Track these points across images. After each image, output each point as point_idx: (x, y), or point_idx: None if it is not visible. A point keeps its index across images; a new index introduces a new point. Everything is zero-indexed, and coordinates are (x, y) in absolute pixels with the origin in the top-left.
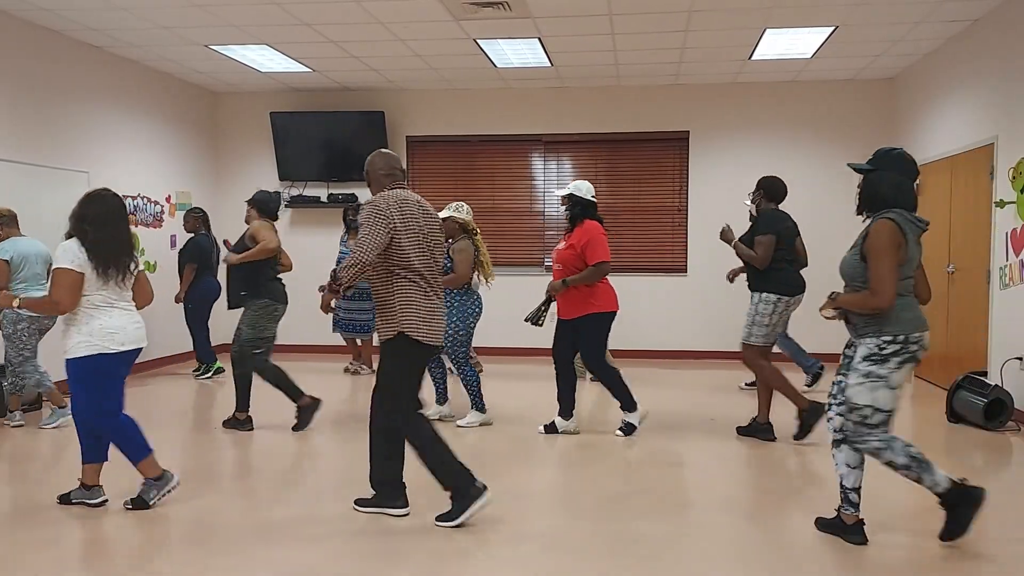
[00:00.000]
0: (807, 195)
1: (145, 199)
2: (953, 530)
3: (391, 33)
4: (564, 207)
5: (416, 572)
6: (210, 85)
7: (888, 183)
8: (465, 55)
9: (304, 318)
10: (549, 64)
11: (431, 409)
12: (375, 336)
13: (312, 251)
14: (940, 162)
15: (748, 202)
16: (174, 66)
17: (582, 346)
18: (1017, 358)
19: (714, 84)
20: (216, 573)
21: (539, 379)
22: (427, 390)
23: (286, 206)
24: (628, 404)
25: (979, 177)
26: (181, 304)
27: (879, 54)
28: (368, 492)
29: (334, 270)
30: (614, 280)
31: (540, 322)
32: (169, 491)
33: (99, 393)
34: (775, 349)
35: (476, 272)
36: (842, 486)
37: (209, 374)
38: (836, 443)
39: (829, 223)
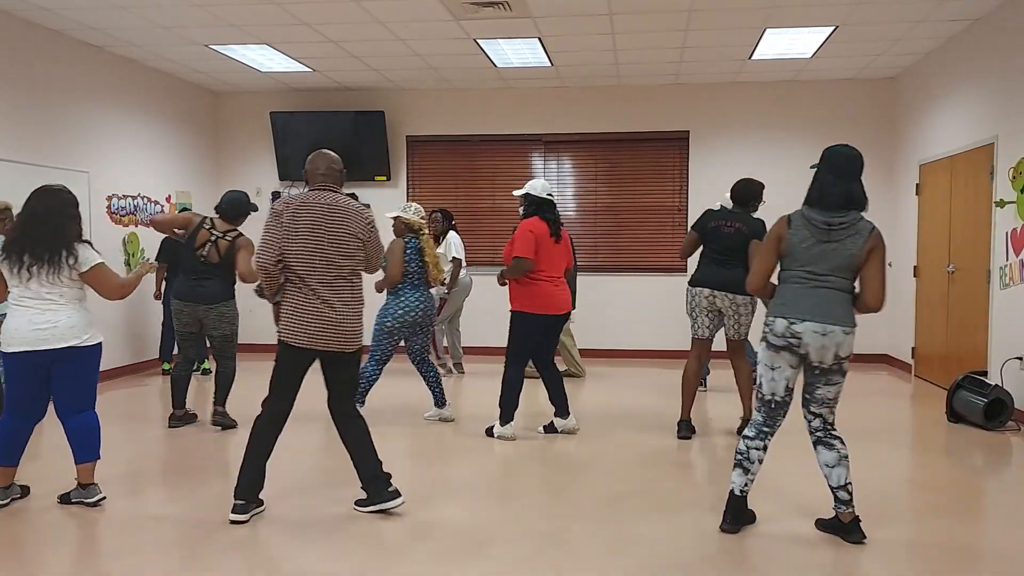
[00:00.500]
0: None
1: (145, 199)
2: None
3: (391, 33)
4: (520, 206)
5: (416, 572)
6: (210, 85)
7: (813, 181)
8: (465, 55)
9: None
10: (549, 64)
11: (430, 411)
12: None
13: None
14: (940, 162)
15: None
16: (174, 66)
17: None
18: (1017, 358)
19: (714, 84)
20: (216, 573)
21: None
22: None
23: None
24: (507, 416)
25: (979, 177)
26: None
27: (879, 53)
28: (359, 494)
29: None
30: (612, 279)
31: None
32: (5, 504)
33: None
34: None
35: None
36: (829, 486)
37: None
38: (813, 444)
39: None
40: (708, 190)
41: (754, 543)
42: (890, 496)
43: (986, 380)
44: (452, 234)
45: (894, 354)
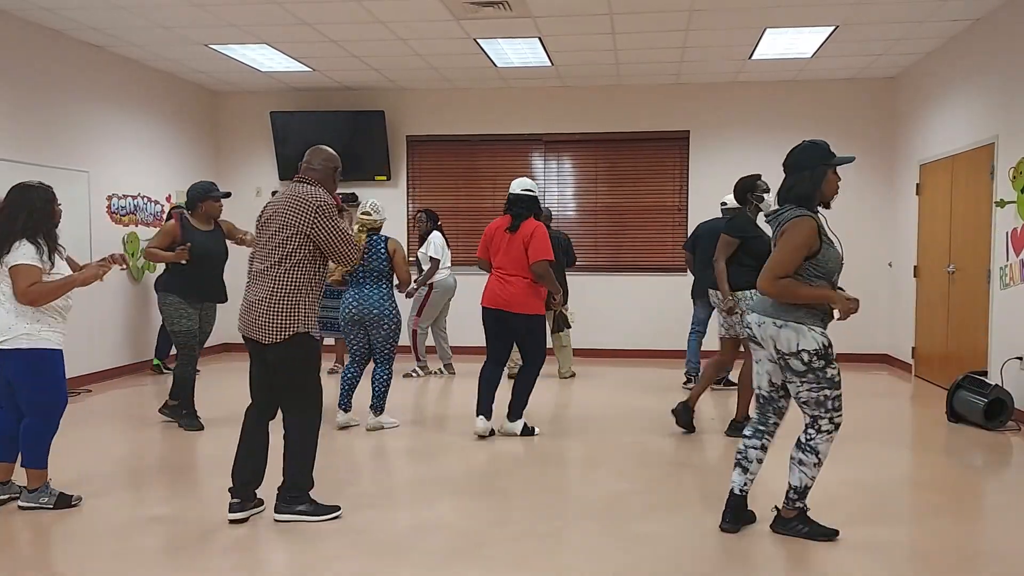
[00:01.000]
0: None
1: (145, 199)
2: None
3: (391, 32)
4: None
5: (416, 572)
6: (210, 85)
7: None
8: (465, 55)
9: None
10: (549, 64)
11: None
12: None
13: None
14: (941, 161)
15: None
16: (174, 65)
17: None
18: (1017, 358)
19: (714, 83)
20: (216, 573)
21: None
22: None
23: None
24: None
25: (979, 176)
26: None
27: (880, 53)
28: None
29: None
30: (612, 279)
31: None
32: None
33: None
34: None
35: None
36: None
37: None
38: None
39: (830, 221)
40: (708, 190)
41: (754, 543)
42: (890, 496)
43: (986, 380)
44: (435, 234)
45: (894, 354)
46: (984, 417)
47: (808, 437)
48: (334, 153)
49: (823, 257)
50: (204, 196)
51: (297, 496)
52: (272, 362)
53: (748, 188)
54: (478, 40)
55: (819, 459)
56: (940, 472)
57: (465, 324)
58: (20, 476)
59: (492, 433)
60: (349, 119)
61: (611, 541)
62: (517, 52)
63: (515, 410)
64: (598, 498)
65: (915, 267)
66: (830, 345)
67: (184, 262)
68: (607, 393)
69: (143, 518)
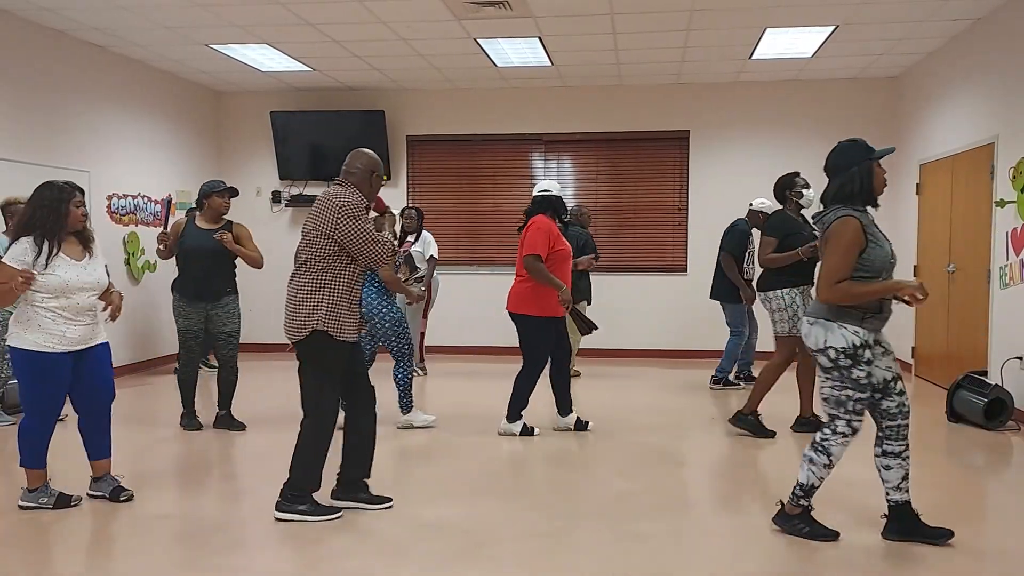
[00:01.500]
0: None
1: (146, 198)
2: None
3: (392, 32)
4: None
5: (416, 572)
6: (212, 84)
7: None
8: (466, 54)
9: None
10: (550, 63)
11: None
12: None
13: None
14: (941, 161)
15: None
16: (176, 65)
17: None
18: (1017, 358)
19: (715, 83)
20: (216, 573)
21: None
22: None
23: (286, 205)
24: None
25: (980, 176)
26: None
27: (881, 53)
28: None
29: None
30: (612, 279)
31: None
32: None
33: None
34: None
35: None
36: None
37: None
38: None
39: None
40: (708, 190)
41: (756, 541)
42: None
43: (986, 380)
44: (427, 233)
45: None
46: (984, 417)
47: (823, 437)
48: (375, 157)
49: (868, 256)
50: (209, 192)
51: (299, 496)
52: (298, 359)
53: (787, 186)
54: (478, 40)
55: (830, 461)
56: (940, 472)
57: (464, 325)
58: (106, 471)
59: (577, 427)
60: (350, 119)
61: (614, 541)
62: (517, 52)
63: (512, 411)
64: (601, 498)
65: (915, 267)
66: (864, 346)
67: (159, 255)
68: (606, 393)
69: (143, 518)
